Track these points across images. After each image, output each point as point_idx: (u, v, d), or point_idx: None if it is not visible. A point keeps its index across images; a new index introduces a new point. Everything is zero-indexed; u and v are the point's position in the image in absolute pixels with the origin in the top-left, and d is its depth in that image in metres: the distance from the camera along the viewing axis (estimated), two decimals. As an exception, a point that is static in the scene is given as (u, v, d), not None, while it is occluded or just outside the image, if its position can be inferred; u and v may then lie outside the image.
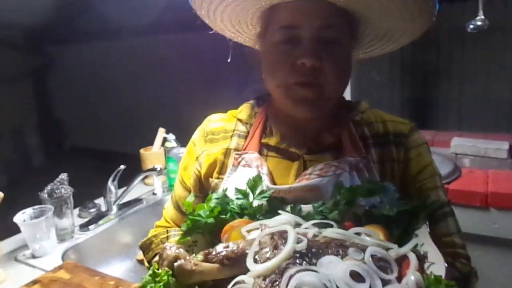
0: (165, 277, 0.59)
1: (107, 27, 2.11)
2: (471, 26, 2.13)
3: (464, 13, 2.60)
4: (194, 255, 0.64)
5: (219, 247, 0.62)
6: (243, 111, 0.96)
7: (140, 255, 1.58)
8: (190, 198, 0.82)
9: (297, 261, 0.55)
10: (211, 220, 0.72)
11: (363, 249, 0.57)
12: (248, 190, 0.78)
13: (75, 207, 1.56)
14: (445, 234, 0.85)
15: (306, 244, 0.58)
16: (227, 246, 0.62)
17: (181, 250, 0.64)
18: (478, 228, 1.76)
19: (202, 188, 0.95)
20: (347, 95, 2.39)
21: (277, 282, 0.53)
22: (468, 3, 2.71)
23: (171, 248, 0.64)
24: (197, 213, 0.73)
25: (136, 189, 1.80)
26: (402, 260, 0.57)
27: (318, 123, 0.87)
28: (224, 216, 0.73)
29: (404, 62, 2.98)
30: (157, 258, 0.71)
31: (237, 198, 0.77)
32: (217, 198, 0.76)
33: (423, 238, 0.62)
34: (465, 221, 1.75)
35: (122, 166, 1.64)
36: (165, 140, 1.96)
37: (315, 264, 0.54)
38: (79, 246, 1.47)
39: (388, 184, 0.76)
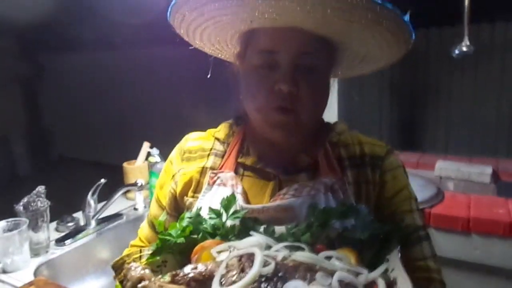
0: None
1: (97, 39, 2.11)
2: (456, 52, 2.16)
3: (452, 37, 2.64)
4: (161, 276, 0.63)
5: (187, 269, 0.61)
6: (221, 130, 0.96)
7: (117, 271, 1.55)
8: (162, 217, 0.82)
9: (262, 285, 0.55)
10: (181, 239, 0.71)
11: (331, 273, 0.57)
12: (222, 210, 0.77)
13: (52, 220, 1.53)
14: (419, 258, 0.84)
15: (273, 267, 0.58)
16: (195, 268, 0.61)
17: (147, 271, 0.63)
18: (459, 253, 1.76)
19: (177, 207, 0.94)
20: (334, 116, 2.40)
21: None
22: (456, 27, 2.75)
23: (136, 268, 0.63)
24: (168, 232, 0.72)
25: (117, 204, 1.77)
26: (371, 286, 0.57)
27: (295, 145, 0.87)
28: (195, 236, 0.72)
29: (393, 84, 3.02)
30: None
31: (210, 218, 0.76)
32: (190, 218, 0.75)
33: (393, 263, 0.62)
34: (446, 245, 1.77)
35: (102, 180, 1.62)
36: (149, 154, 1.94)
37: None
38: (54, 261, 1.43)
39: (362, 207, 0.77)
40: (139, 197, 1.84)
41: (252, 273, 0.56)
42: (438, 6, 2.52)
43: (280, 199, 0.80)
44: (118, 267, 0.95)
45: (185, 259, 0.70)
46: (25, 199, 1.40)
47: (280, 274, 0.57)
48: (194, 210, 0.81)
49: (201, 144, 0.96)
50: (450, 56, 2.30)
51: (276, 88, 0.77)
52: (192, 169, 0.92)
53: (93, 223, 1.62)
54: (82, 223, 1.64)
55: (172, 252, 0.72)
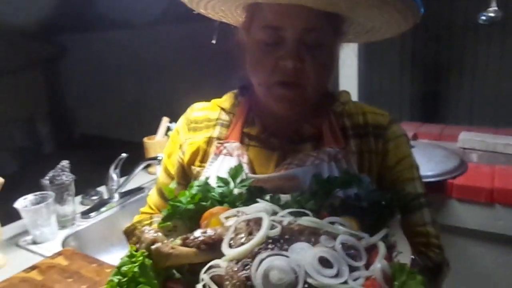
0: (141, 258, 0.60)
1: (114, 18, 2.11)
2: (483, 18, 2.07)
3: (478, 3, 2.53)
4: (172, 239, 0.66)
5: (197, 233, 0.64)
6: (227, 100, 0.97)
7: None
8: (173, 185, 0.83)
9: (269, 246, 0.58)
10: (191, 206, 0.73)
11: (335, 237, 0.59)
12: (229, 179, 0.79)
13: (77, 194, 1.58)
14: (419, 224, 0.88)
15: (279, 230, 0.60)
16: (205, 232, 0.63)
17: (159, 234, 0.65)
18: (482, 225, 1.73)
19: (185, 175, 0.97)
20: (355, 88, 2.35)
21: (249, 266, 0.55)
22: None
23: (149, 231, 0.65)
24: (178, 199, 0.74)
25: (138, 178, 1.81)
26: (371, 249, 0.59)
27: (300, 115, 0.88)
28: (204, 203, 0.74)
29: (415, 55, 2.93)
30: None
31: (218, 186, 0.78)
32: (199, 186, 0.77)
33: (394, 229, 0.66)
34: (469, 216, 1.75)
35: (124, 155, 1.65)
36: (168, 129, 1.97)
37: (286, 250, 0.57)
38: (80, 233, 1.49)
39: (364, 176, 0.79)
40: (159, 171, 1.87)
41: (260, 235, 0.58)
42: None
43: (285, 169, 0.83)
44: (130, 233, 0.99)
45: (195, 225, 0.72)
46: (51, 174, 1.45)
47: (286, 237, 0.59)
48: (202, 178, 0.83)
49: (207, 114, 0.97)
50: (475, 26, 2.22)
51: (280, 64, 0.77)
52: (198, 139, 0.94)
53: (116, 196, 1.67)
54: (105, 196, 1.69)
55: (182, 218, 0.74)
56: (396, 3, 0.70)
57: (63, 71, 1.97)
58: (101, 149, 1.94)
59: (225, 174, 0.80)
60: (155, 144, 1.96)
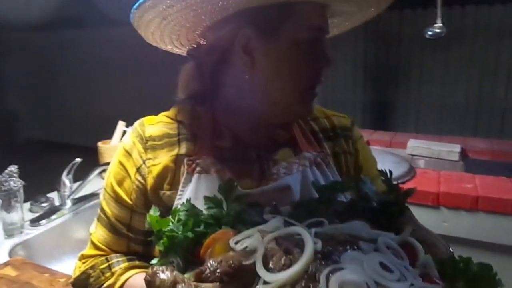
0: None
1: (65, 15, 2.03)
2: (429, 33, 2.21)
3: (425, 19, 2.68)
4: (189, 275, 0.57)
5: (212, 264, 0.54)
6: (181, 112, 0.86)
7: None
8: (155, 212, 0.70)
9: (322, 262, 0.52)
10: (190, 234, 0.64)
11: (369, 241, 0.56)
12: (221, 198, 0.71)
13: (26, 201, 1.50)
14: None
15: (321, 243, 0.54)
16: (220, 262, 0.54)
17: (176, 273, 0.55)
18: (429, 226, 1.83)
19: (147, 203, 0.81)
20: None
21: (311, 286, 0.49)
22: (428, 9, 2.80)
23: (165, 271, 0.54)
24: (170, 229, 0.65)
25: (92, 184, 1.74)
26: (403, 247, 0.57)
27: (272, 120, 0.83)
28: (199, 229, 0.66)
29: (367, 66, 3.06)
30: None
31: (209, 208, 0.69)
32: (186, 210, 0.68)
33: (414, 223, 0.65)
34: (417, 219, 1.84)
35: (77, 159, 1.59)
36: (124, 133, 1.91)
37: (338, 262, 0.52)
38: (29, 241, 1.41)
39: (365, 178, 0.77)
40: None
41: (308, 251, 0.52)
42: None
43: (274, 179, 0.78)
44: (82, 284, 0.84)
45: (190, 256, 0.64)
46: (-3, 179, 1.36)
47: (330, 248, 0.54)
48: (178, 202, 0.76)
49: (165, 130, 0.84)
50: (422, 39, 2.35)
51: (320, 66, 0.76)
52: (163, 159, 0.81)
53: (68, 203, 1.60)
54: (57, 203, 1.61)
55: (176, 250, 0.65)
56: None
57: (10, 72, 1.87)
58: (52, 153, 1.86)
59: (208, 194, 0.72)
60: (110, 148, 1.90)
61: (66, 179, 1.58)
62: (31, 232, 1.44)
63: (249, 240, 0.58)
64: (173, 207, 0.76)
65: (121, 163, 0.84)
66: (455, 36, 2.75)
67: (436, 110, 2.91)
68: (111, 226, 0.85)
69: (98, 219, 0.87)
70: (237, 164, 0.81)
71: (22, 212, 1.43)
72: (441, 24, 2.21)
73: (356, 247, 0.54)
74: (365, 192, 0.72)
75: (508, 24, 2.59)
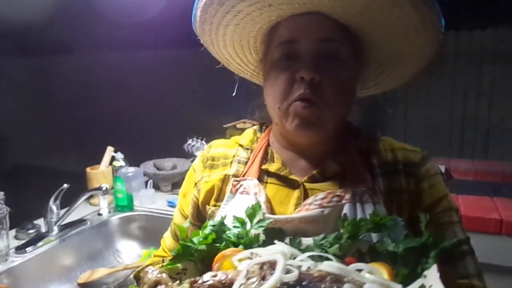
0: None
1: (59, 41, 2.06)
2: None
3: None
4: (178, 282, 0.60)
5: (206, 276, 0.57)
6: (246, 136, 0.93)
7: (81, 278, 1.52)
8: (186, 224, 0.78)
9: None
10: (203, 247, 0.68)
11: (361, 286, 0.53)
12: (246, 219, 0.73)
13: (12, 228, 1.49)
14: (462, 276, 0.77)
15: (296, 275, 0.53)
16: (215, 275, 0.57)
17: (164, 275, 0.60)
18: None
19: (200, 216, 0.91)
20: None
21: None
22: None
23: (153, 272, 0.61)
24: (190, 239, 0.69)
25: (80, 209, 1.73)
26: None
27: (322, 150, 0.83)
28: (218, 245, 0.69)
29: (353, 88, 3.13)
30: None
31: (234, 227, 0.72)
32: (213, 225, 0.72)
33: (432, 279, 0.55)
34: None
35: (65, 185, 1.59)
36: (113, 159, 1.92)
37: None
38: (14, 269, 1.38)
39: (397, 218, 0.68)
40: (103, 202, 1.81)
41: (273, 279, 0.52)
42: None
43: (305, 209, 0.76)
44: (140, 278, 0.93)
45: (206, 268, 0.66)
46: (-17, 206, 1.35)
47: (304, 283, 0.53)
48: (217, 218, 0.78)
49: (224, 151, 0.92)
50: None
51: (297, 77, 0.73)
52: (214, 177, 0.89)
53: (55, 229, 1.57)
54: (43, 229, 1.59)
55: (193, 259, 0.68)
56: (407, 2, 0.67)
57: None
58: (39, 178, 1.85)
59: (242, 214, 0.74)
60: (99, 174, 1.90)
61: (53, 205, 1.56)
62: (16, 260, 1.40)
63: (247, 261, 0.61)
64: None
65: (188, 178, 0.97)
66: (438, 59, 2.84)
67: (421, 131, 2.97)
68: (174, 233, 0.98)
69: (170, 226, 1.00)
70: (278, 189, 0.83)
71: (8, 239, 1.42)
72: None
73: (335, 287, 0.52)
74: (388, 235, 0.66)
75: (488, 48, 2.69)
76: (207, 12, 0.77)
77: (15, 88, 1.81)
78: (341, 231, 0.68)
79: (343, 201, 0.75)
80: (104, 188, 1.65)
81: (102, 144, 1.95)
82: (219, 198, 0.87)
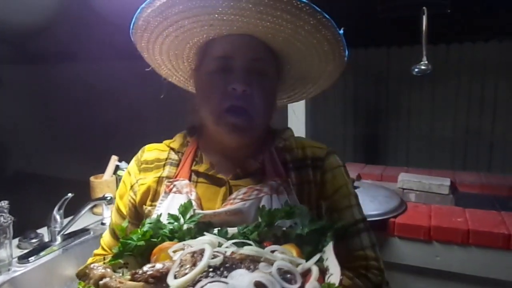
0: None
1: (61, 50, 2.07)
2: (416, 70, 2.29)
3: (411, 56, 2.78)
4: (121, 275, 0.68)
5: (146, 267, 0.66)
6: (176, 140, 1.03)
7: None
8: (124, 223, 0.85)
9: (210, 274, 0.62)
10: (141, 243, 0.76)
11: (272, 263, 0.64)
12: (179, 215, 0.83)
13: (15, 237, 1.48)
14: (357, 249, 0.93)
15: (221, 259, 0.65)
16: (153, 266, 0.66)
17: (107, 269, 0.67)
18: (422, 261, 1.83)
19: (138, 215, 1.00)
20: (302, 131, 2.47)
21: None
22: (414, 47, 2.90)
23: (98, 267, 0.67)
24: (129, 236, 0.77)
25: (84, 219, 1.73)
26: (307, 273, 0.65)
27: (245, 151, 0.95)
28: (155, 240, 0.78)
29: (356, 100, 3.14)
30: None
31: (169, 223, 0.82)
32: (150, 223, 0.81)
33: (327, 253, 0.70)
34: (410, 253, 1.84)
35: (69, 194, 1.59)
36: (117, 168, 1.92)
37: (226, 277, 0.61)
38: (16, 279, 1.39)
39: (302, 207, 0.85)
40: (106, 212, 1.81)
41: (201, 264, 0.62)
42: (399, 27, 2.67)
43: (230, 204, 0.87)
44: (83, 275, 0.97)
45: (146, 261, 0.73)
46: (-13, 215, 1.34)
47: (227, 265, 0.64)
48: (153, 216, 0.86)
49: (157, 155, 1.01)
50: (409, 74, 2.43)
51: (229, 88, 0.84)
52: (149, 179, 0.98)
53: (58, 239, 1.58)
54: (46, 239, 1.59)
55: (133, 254, 0.76)
56: (327, 32, 0.81)
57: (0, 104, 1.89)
58: (43, 187, 1.84)
59: (175, 211, 0.84)
60: (102, 183, 1.90)
61: (57, 214, 1.57)
62: (19, 270, 1.42)
63: (181, 251, 0.69)
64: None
65: (123, 181, 1.04)
66: (441, 72, 2.85)
67: (425, 144, 2.97)
68: (112, 232, 1.04)
69: (108, 226, 1.07)
70: (206, 187, 0.94)
71: (11, 249, 1.41)
72: (426, 62, 2.29)
73: (251, 267, 0.64)
74: (296, 221, 0.81)
75: (490, 60, 2.69)
76: (149, 22, 0.85)
77: (18, 95, 1.82)
78: (259, 220, 0.80)
79: (262, 194, 0.87)
80: (108, 198, 1.64)
81: (106, 152, 1.95)
82: (154, 198, 0.96)
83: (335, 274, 0.63)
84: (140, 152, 1.05)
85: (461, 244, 1.77)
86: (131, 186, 1.01)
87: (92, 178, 1.92)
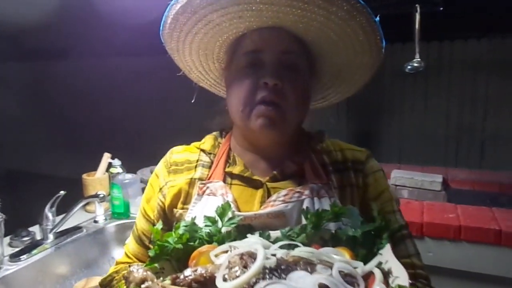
0: None
1: (56, 46, 2.05)
2: (409, 67, 2.30)
3: (404, 53, 2.80)
4: (161, 279, 0.64)
5: (187, 271, 0.62)
6: (207, 142, 0.99)
7: (76, 286, 1.50)
8: (159, 226, 0.81)
9: (267, 276, 0.58)
10: (179, 246, 0.72)
11: (330, 266, 0.60)
12: (217, 217, 0.79)
13: (7, 235, 1.46)
14: (404, 256, 0.88)
15: (275, 261, 0.60)
16: (195, 270, 0.62)
17: (149, 272, 0.63)
18: (415, 257, 1.84)
19: (166, 219, 0.95)
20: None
21: None
22: (406, 44, 2.91)
23: (138, 270, 0.63)
24: (165, 239, 0.73)
25: (76, 217, 1.71)
26: (368, 276, 0.61)
27: (280, 151, 0.92)
28: (192, 243, 0.74)
29: (350, 97, 3.14)
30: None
31: (206, 226, 0.78)
32: (186, 226, 0.77)
33: (387, 256, 0.66)
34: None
35: (61, 192, 1.57)
36: (110, 165, 1.90)
37: (284, 279, 0.57)
38: (8, 278, 1.36)
39: (353, 208, 0.81)
40: (99, 209, 1.79)
41: (256, 265, 0.58)
42: (391, 25, 2.67)
43: (270, 206, 0.83)
44: (107, 284, 0.96)
45: (182, 266, 0.70)
46: (-22, 212, 1.33)
47: (282, 267, 0.59)
48: (187, 219, 0.82)
49: (187, 157, 0.97)
50: (402, 72, 2.44)
51: (260, 83, 0.81)
52: (180, 181, 0.93)
53: (51, 236, 1.56)
54: (38, 237, 1.57)
55: (170, 259, 0.73)
56: (362, 19, 0.78)
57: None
58: (35, 185, 1.83)
59: (211, 214, 0.80)
60: (95, 181, 1.88)
61: (49, 212, 1.55)
62: (10, 268, 1.39)
63: (224, 255, 0.66)
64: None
65: (150, 184, 0.99)
66: (433, 69, 2.86)
67: (417, 141, 2.98)
68: (138, 238, 0.99)
69: (132, 233, 1.02)
70: (242, 189, 0.90)
71: (2, 247, 1.39)
72: (419, 59, 2.30)
73: (309, 269, 0.59)
74: (346, 223, 0.77)
75: (483, 58, 2.71)
76: (178, 20, 0.83)
77: (11, 92, 1.79)
78: (305, 222, 0.76)
79: (303, 197, 0.84)
80: (101, 195, 1.63)
81: (98, 150, 1.93)
82: (186, 201, 0.92)
83: (402, 277, 0.60)
84: (168, 154, 1.00)
85: (453, 240, 1.79)
86: (160, 189, 0.96)
87: (84, 176, 1.90)
